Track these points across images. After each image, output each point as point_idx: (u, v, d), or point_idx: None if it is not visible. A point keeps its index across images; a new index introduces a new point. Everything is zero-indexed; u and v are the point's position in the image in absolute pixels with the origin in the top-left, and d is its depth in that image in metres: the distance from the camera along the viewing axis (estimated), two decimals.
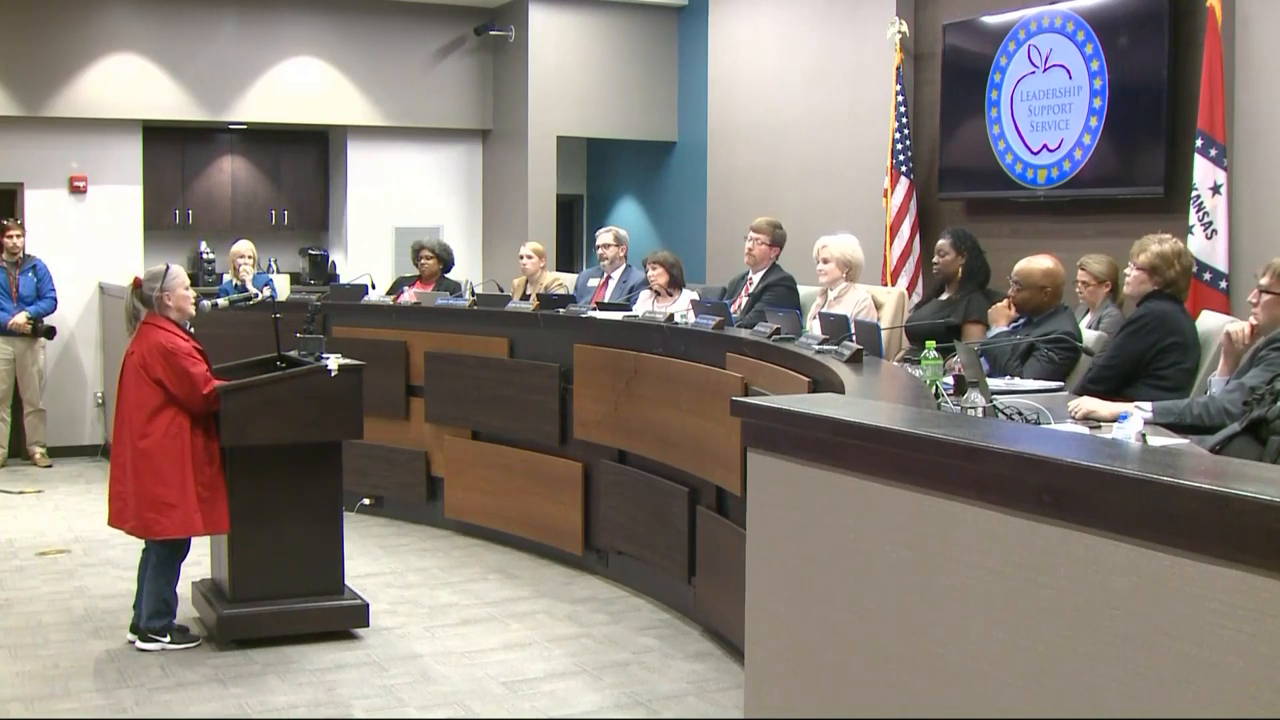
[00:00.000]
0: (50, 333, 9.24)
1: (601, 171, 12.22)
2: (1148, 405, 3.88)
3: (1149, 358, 4.59)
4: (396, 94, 10.53)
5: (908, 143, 7.63)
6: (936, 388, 3.94)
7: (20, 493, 8.34)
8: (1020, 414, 3.61)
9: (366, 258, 10.54)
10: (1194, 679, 1.85)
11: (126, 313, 5.28)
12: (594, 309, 6.80)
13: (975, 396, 3.60)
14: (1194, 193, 5.87)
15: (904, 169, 7.61)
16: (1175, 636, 1.88)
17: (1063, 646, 2.07)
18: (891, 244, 7.57)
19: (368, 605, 5.47)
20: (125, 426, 5.12)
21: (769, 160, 8.91)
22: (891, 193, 7.60)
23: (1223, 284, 5.80)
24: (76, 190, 9.79)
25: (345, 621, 5.41)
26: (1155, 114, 6.25)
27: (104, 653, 5.20)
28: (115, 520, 5.18)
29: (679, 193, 10.67)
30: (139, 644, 5.20)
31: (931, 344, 4.25)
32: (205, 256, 10.62)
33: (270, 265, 10.72)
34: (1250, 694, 1.78)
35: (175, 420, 5.06)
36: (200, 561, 5.72)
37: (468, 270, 10.46)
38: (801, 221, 7.81)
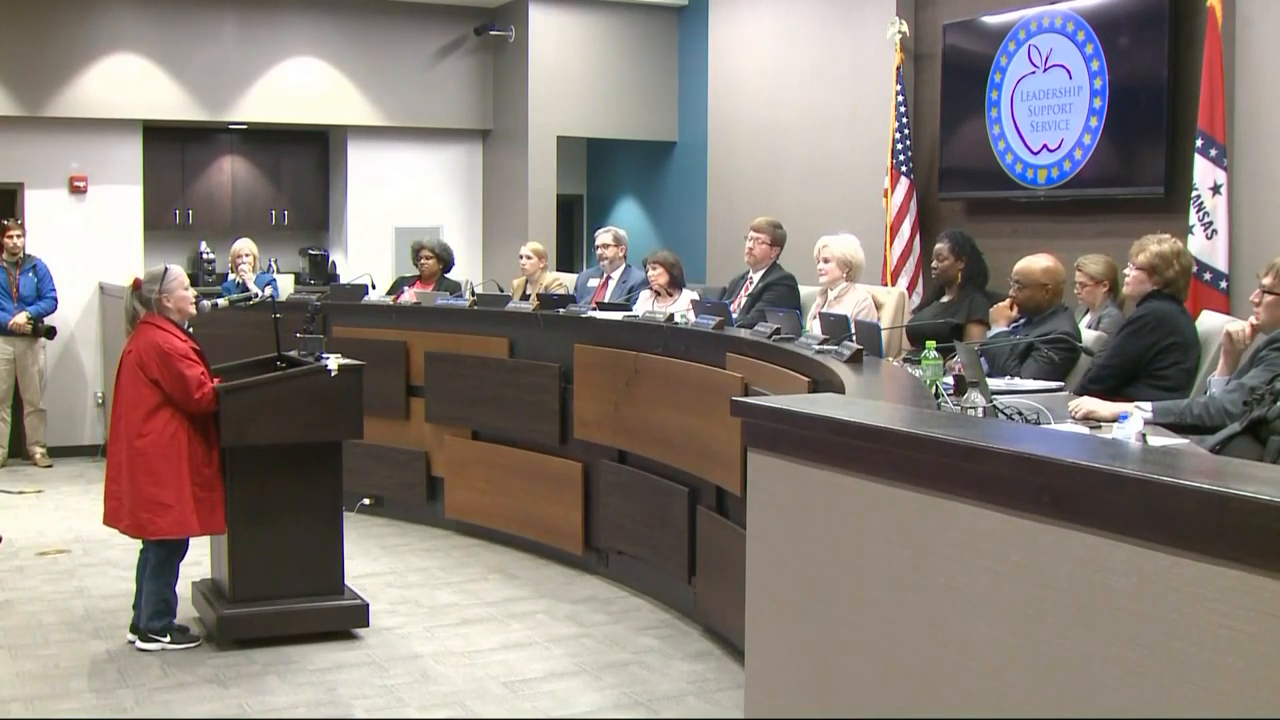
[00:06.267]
0: (50, 333, 9.24)
1: (601, 171, 12.22)
2: (1148, 405, 3.88)
3: (1149, 358, 4.59)
4: (396, 94, 10.53)
5: (908, 143, 7.63)
6: (936, 388, 3.94)
7: (20, 493, 8.35)
8: (1020, 414, 3.61)
9: (366, 258, 10.54)
10: (1194, 679, 1.85)
11: (126, 314, 5.28)
12: (594, 309, 6.80)
13: (975, 396, 3.60)
14: (1194, 193, 5.87)
15: (904, 169, 7.61)
16: (1175, 636, 1.88)
17: (1063, 646, 2.07)
18: (892, 244, 7.57)
19: (368, 605, 5.47)
20: (122, 425, 5.12)
21: (769, 160, 8.91)
22: (892, 193, 7.60)
23: (1223, 284, 5.80)
24: (76, 190, 9.79)
25: (345, 621, 5.41)
26: (1155, 114, 6.25)
27: (104, 653, 5.20)
28: (110, 519, 5.18)
29: (679, 193, 10.67)
30: (139, 644, 5.20)
31: (932, 344, 4.25)
32: (205, 256, 10.62)
33: (271, 265, 10.72)
34: (1250, 694, 1.78)
35: (172, 420, 5.06)
36: (200, 561, 5.73)
37: (468, 270, 10.46)
38: (801, 221, 7.81)
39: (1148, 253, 4.77)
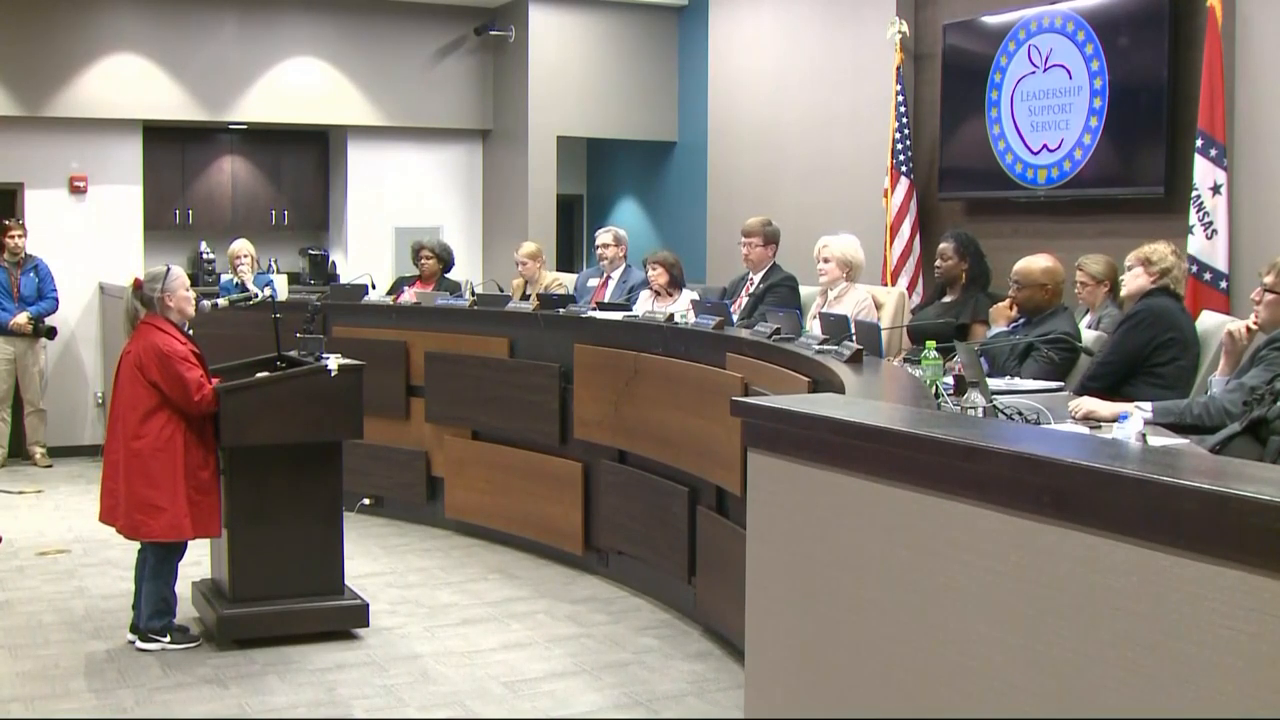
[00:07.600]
0: (51, 333, 9.24)
1: (601, 171, 12.22)
2: (1148, 405, 3.89)
3: (1146, 354, 4.59)
4: (396, 94, 10.54)
5: (908, 143, 7.63)
6: (936, 388, 3.94)
7: (20, 493, 8.35)
8: (1020, 414, 3.62)
9: (366, 258, 10.54)
10: (1194, 679, 1.85)
11: (126, 314, 5.26)
12: (594, 309, 6.80)
13: (975, 396, 3.60)
14: (1194, 193, 5.88)
15: (904, 169, 7.61)
16: (1175, 636, 1.88)
17: (1063, 646, 2.07)
18: (891, 244, 7.58)
19: (368, 605, 5.47)
20: (119, 425, 5.11)
21: (769, 160, 8.91)
22: (891, 193, 7.60)
23: (1223, 284, 5.80)
24: (76, 190, 9.79)
25: (345, 621, 5.41)
26: (1155, 114, 6.25)
27: (104, 653, 5.20)
28: (105, 517, 5.19)
29: (679, 193, 10.67)
30: (139, 644, 5.20)
31: (932, 344, 4.25)
32: (205, 256, 10.62)
33: (270, 265, 10.73)
34: (1250, 694, 1.78)
35: (170, 422, 5.05)
36: (200, 561, 5.73)
37: (468, 270, 10.46)
38: (801, 221, 7.82)
39: (1142, 249, 4.81)
